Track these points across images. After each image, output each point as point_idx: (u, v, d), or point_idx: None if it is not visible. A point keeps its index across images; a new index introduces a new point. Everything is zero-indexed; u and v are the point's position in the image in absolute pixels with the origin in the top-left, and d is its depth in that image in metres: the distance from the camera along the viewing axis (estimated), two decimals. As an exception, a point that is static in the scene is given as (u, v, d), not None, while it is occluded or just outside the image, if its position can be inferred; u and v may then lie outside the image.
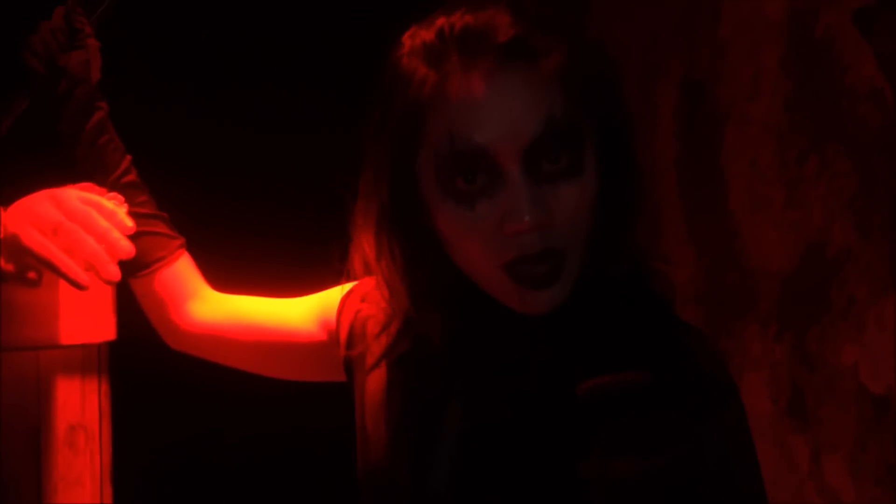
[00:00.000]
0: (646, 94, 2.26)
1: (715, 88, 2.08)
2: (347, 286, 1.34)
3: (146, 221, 1.39)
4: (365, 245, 1.19)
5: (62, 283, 1.23)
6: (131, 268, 1.33)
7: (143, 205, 1.41)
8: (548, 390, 1.14)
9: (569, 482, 1.11)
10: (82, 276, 1.15)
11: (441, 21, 1.10)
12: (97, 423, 1.50)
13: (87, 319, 1.46)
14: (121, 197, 1.42)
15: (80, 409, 1.41)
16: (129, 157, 1.43)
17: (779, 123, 1.92)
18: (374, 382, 1.28)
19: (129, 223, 1.26)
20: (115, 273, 1.17)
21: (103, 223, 1.20)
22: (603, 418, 1.11)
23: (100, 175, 1.39)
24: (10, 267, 1.18)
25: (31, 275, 1.19)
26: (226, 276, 1.48)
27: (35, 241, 1.15)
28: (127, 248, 1.20)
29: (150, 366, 1.79)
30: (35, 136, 1.36)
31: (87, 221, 1.19)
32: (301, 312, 1.42)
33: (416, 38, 1.11)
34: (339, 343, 1.34)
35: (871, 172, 1.72)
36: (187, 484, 2.69)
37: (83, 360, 1.47)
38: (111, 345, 1.55)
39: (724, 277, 2.06)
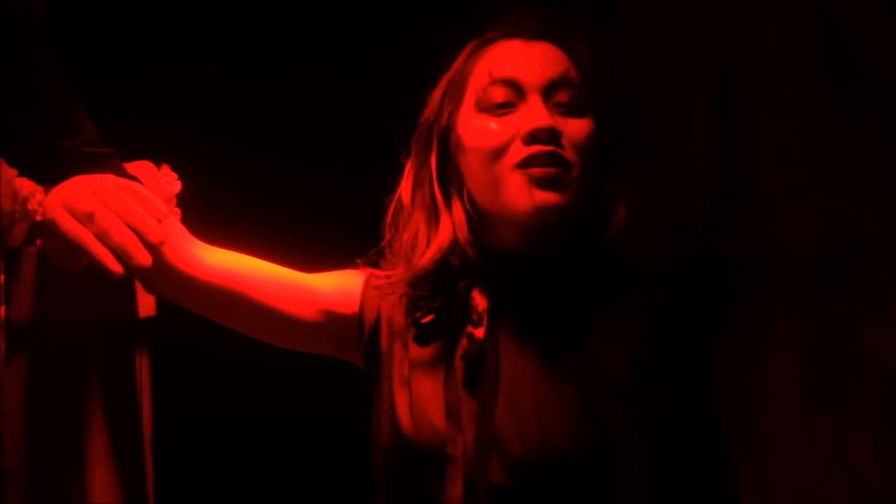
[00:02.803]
0: (676, 81, 2.24)
1: (744, 75, 2.06)
2: (356, 273, 1.49)
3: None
4: (411, 213, 1.44)
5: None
6: None
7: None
8: (548, 317, 1.37)
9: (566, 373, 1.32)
10: (114, 263, 1.16)
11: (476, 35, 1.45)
12: (140, 395, 1.52)
13: (131, 296, 1.48)
14: (174, 175, 1.44)
15: (122, 385, 1.42)
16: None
17: (807, 109, 1.90)
18: (401, 360, 1.42)
19: (164, 208, 1.26)
20: (147, 258, 1.18)
21: (138, 210, 1.21)
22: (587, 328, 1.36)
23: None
24: (51, 248, 1.19)
25: (72, 257, 1.20)
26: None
27: (71, 226, 1.17)
28: (160, 234, 1.21)
29: (186, 340, 1.80)
30: None
31: (122, 207, 1.20)
32: (315, 281, 1.47)
33: (454, 55, 1.44)
34: (363, 322, 1.46)
35: None
36: (222, 453, 2.64)
37: (127, 334, 1.48)
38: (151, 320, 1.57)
39: (753, 260, 2.04)
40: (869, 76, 1.77)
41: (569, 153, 1.32)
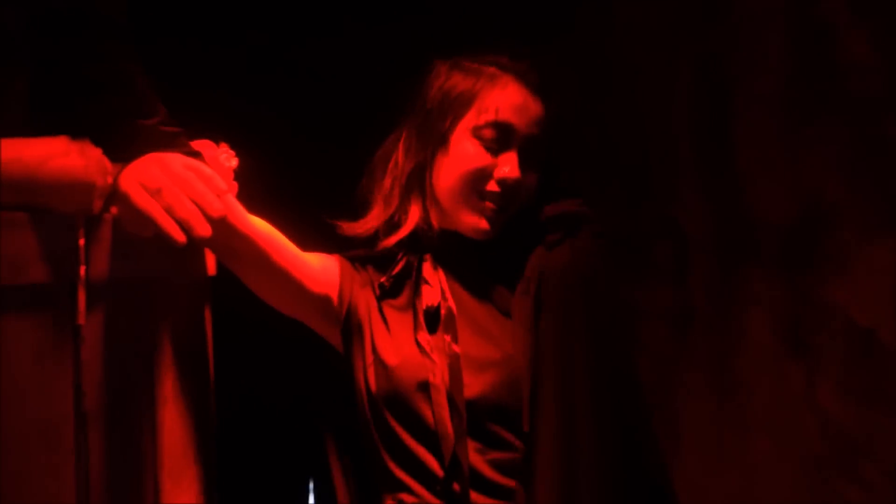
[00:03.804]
0: (666, 70, 2.24)
1: (725, 65, 2.06)
2: (332, 258, 1.56)
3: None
4: (398, 179, 1.55)
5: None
6: None
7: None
8: (487, 275, 1.52)
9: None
10: (178, 233, 1.15)
11: (481, 54, 1.53)
12: (203, 348, 1.51)
13: (201, 258, 1.47)
14: (232, 152, 1.43)
15: (188, 335, 1.42)
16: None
17: (781, 96, 1.89)
18: (376, 322, 1.51)
19: (224, 185, 1.25)
20: (207, 230, 1.16)
21: (201, 186, 1.19)
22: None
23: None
24: (125, 217, 1.19)
25: (142, 225, 1.20)
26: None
27: (141, 198, 1.15)
28: (219, 210, 1.19)
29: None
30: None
31: (186, 184, 1.18)
32: (309, 257, 1.52)
33: (460, 62, 1.53)
34: (342, 298, 1.53)
35: (861, 139, 1.71)
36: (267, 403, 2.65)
37: (192, 292, 1.48)
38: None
39: (732, 227, 2.05)
40: (836, 66, 1.76)
41: (516, 197, 1.47)
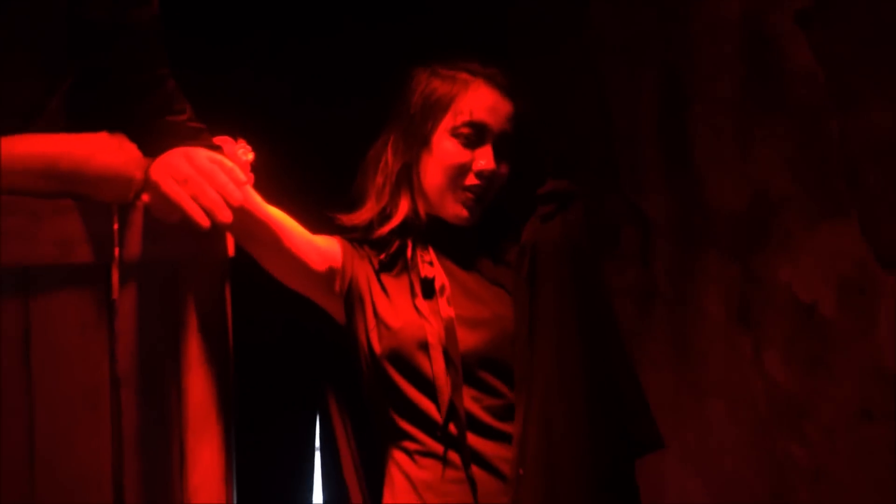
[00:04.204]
0: (633, 75, 2.24)
1: (685, 73, 2.05)
2: (334, 239, 1.60)
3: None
4: (388, 177, 1.59)
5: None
6: None
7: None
8: (461, 244, 1.60)
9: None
10: (203, 218, 1.16)
11: (455, 61, 1.59)
12: (223, 319, 1.52)
13: (221, 241, 1.47)
14: (249, 147, 1.44)
15: (210, 309, 1.42)
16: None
17: (734, 99, 1.89)
18: (377, 292, 1.55)
19: (244, 177, 1.26)
20: (228, 216, 1.18)
21: (223, 178, 1.21)
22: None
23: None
24: (155, 203, 1.19)
25: (170, 211, 1.20)
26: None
27: (170, 187, 1.17)
28: (238, 197, 1.21)
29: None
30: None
31: (210, 176, 1.20)
32: (316, 239, 1.56)
33: (436, 70, 1.58)
34: (344, 274, 1.57)
35: (805, 137, 1.71)
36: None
37: (213, 271, 1.48)
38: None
39: (690, 215, 2.05)
40: (782, 73, 1.75)
41: (492, 187, 1.55)
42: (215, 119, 1.52)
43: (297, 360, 2.61)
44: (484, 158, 1.51)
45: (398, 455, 1.51)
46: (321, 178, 1.94)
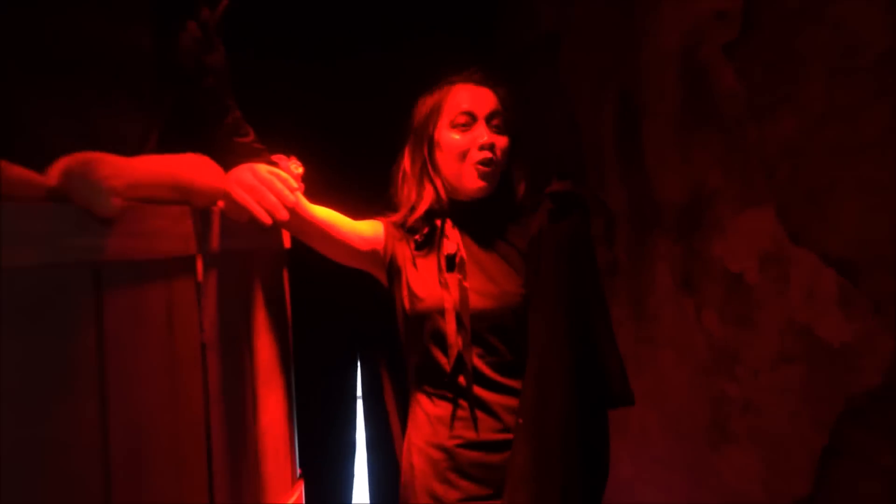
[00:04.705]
0: (596, 97, 2.22)
1: (636, 96, 2.05)
2: (379, 222, 1.54)
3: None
4: (411, 179, 1.53)
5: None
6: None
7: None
8: (481, 227, 1.51)
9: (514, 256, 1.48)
10: (266, 218, 1.18)
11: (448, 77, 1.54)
12: (283, 296, 1.53)
13: (276, 235, 1.49)
14: (299, 162, 1.46)
15: (272, 288, 1.43)
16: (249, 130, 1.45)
17: (676, 114, 1.91)
18: (410, 266, 1.50)
19: (296, 185, 1.28)
20: (285, 215, 1.20)
21: (279, 186, 1.22)
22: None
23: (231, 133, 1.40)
24: (228, 208, 1.21)
25: (240, 213, 1.22)
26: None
27: (239, 195, 1.18)
28: (292, 201, 1.22)
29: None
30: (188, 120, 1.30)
31: (270, 185, 1.21)
32: (360, 225, 1.51)
33: (430, 90, 1.54)
34: (386, 251, 1.52)
35: (730, 143, 1.72)
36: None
37: (274, 259, 1.48)
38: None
39: (643, 206, 2.07)
40: (712, 93, 1.77)
41: (497, 156, 1.47)
42: (273, 138, 1.52)
43: (340, 327, 2.65)
44: (479, 133, 1.47)
45: (420, 396, 1.50)
46: (362, 178, 1.89)
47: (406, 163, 1.56)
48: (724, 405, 1.78)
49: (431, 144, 1.52)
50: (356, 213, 1.54)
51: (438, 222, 1.52)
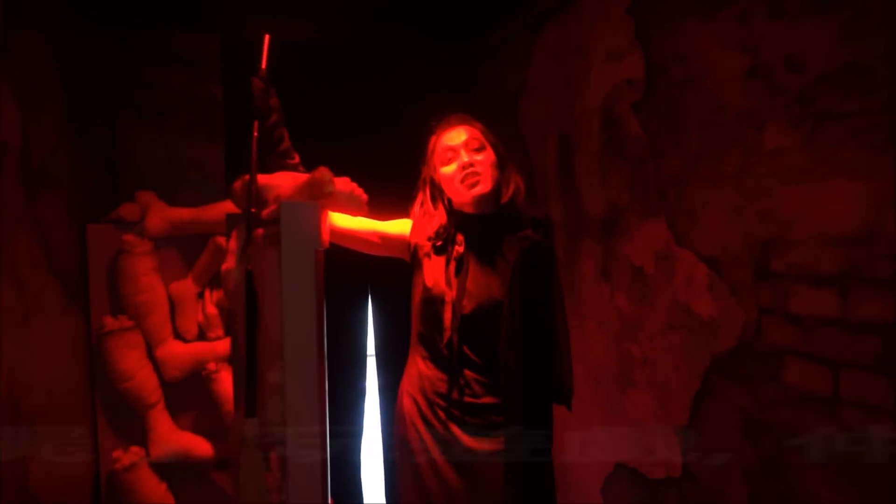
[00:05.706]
0: (543, 138, 2.17)
1: (571, 137, 2.03)
2: (408, 221, 1.46)
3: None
4: (421, 198, 1.45)
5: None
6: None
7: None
8: (484, 240, 1.38)
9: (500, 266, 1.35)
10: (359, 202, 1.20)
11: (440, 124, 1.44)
12: (320, 283, 1.48)
13: (325, 235, 1.46)
14: (360, 189, 1.35)
15: (318, 272, 1.37)
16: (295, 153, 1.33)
17: (598, 151, 1.88)
18: (426, 260, 1.41)
19: (359, 193, 1.28)
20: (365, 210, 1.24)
21: (347, 189, 1.25)
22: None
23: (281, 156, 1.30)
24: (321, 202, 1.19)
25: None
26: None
27: (331, 188, 1.20)
28: (362, 201, 1.26)
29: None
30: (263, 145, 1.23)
31: (345, 187, 1.24)
32: (390, 225, 1.44)
33: (433, 138, 1.44)
34: (410, 245, 1.43)
35: (636, 173, 1.70)
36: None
37: (318, 255, 1.45)
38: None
39: (575, 217, 2.02)
40: (624, 138, 1.74)
41: (479, 169, 1.36)
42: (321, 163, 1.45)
43: (359, 294, 2.54)
44: (461, 157, 1.38)
45: (417, 357, 1.44)
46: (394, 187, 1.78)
47: (422, 193, 1.48)
48: (629, 361, 1.77)
49: (434, 182, 1.45)
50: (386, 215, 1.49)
51: (452, 231, 1.42)
